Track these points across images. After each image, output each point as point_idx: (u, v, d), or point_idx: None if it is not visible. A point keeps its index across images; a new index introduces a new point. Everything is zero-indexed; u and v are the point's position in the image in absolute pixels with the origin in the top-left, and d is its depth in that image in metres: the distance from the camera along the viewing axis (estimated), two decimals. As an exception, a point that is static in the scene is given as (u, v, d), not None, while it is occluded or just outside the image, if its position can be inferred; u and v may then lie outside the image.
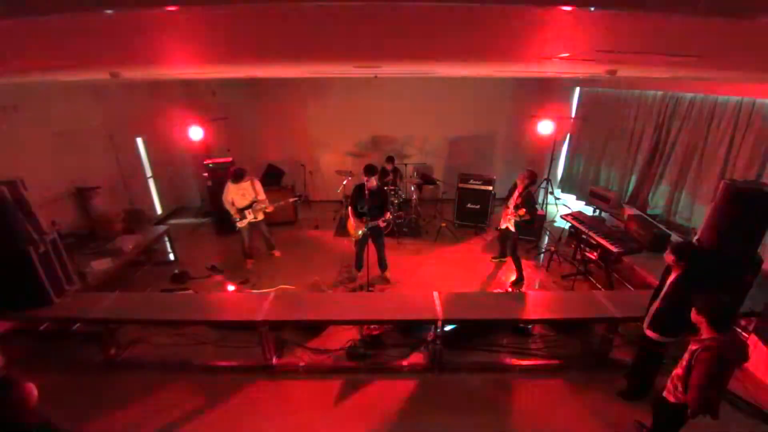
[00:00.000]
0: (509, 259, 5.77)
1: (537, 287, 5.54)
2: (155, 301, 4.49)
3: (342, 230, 7.30)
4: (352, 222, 5.19)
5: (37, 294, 3.84)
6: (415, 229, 7.34)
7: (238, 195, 5.63)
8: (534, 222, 5.49)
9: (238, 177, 5.52)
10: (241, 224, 5.74)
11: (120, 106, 6.86)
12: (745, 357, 2.45)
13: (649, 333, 3.24)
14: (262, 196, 5.77)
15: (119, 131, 6.72)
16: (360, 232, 5.14)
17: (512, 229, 5.30)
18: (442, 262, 6.26)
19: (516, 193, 5.20)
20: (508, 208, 5.27)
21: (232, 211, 5.68)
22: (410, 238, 7.12)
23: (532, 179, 5.10)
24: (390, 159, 7.34)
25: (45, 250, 3.86)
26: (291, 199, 6.35)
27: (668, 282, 3.11)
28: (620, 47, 1.81)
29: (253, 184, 5.70)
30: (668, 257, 3.04)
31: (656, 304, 3.19)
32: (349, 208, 5.24)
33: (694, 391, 2.37)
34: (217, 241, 7.11)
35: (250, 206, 5.70)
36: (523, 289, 5.45)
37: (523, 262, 6.09)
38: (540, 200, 7.54)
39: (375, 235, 5.29)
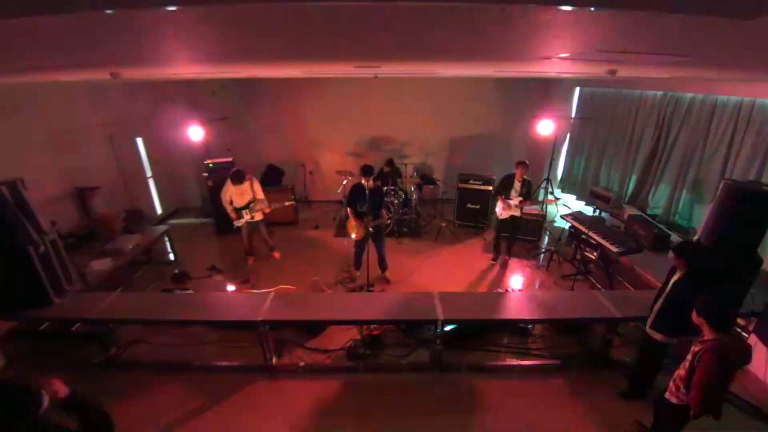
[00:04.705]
0: (508, 256, 6.17)
1: (537, 287, 5.55)
2: (155, 301, 4.49)
3: (342, 230, 7.30)
4: (353, 222, 5.19)
5: (37, 294, 3.84)
6: (415, 229, 7.34)
7: (237, 195, 5.68)
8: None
9: (238, 178, 5.55)
10: (238, 223, 5.80)
11: (120, 106, 6.86)
12: (747, 359, 2.45)
13: (652, 333, 3.24)
14: (260, 195, 5.79)
15: (119, 131, 6.72)
16: (353, 235, 5.18)
17: (518, 214, 5.73)
18: (442, 262, 6.26)
19: (517, 184, 5.63)
20: (510, 198, 5.67)
21: (229, 209, 5.72)
22: (410, 238, 7.12)
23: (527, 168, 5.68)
24: (389, 162, 7.38)
25: (45, 250, 3.86)
26: (287, 203, 6.36)
27: (672, 282, 3.11)
28: (620, 47, 1.81)
29: (251, 185, 5.72)
30: (672, 257, 3.04)
31: (660, 304, 3.19)
32: (349, 209, 5.24)
33: (696, 393, 2.37)
34: (217, 241, 7.12)
35: (247, 206, 5.73)
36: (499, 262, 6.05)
37: (523, 262, 6.15)
38: (540, 200, 7.54)
39: (377, 234, 5.29)
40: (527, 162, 5.68)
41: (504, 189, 5.75)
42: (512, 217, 5.77)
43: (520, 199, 5.60)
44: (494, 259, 6.22)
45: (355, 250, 5.49)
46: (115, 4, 0.96)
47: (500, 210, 5.81)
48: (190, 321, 4.17)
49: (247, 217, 5.75)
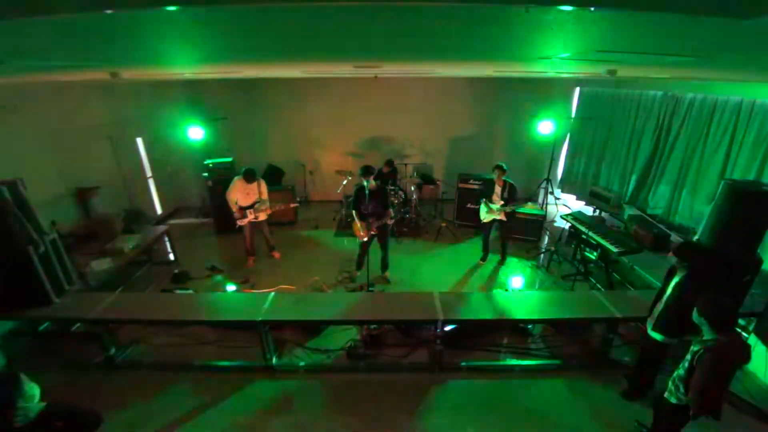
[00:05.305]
0: (503, 258, 6.18)
1: (537, 287, 5.55)
2: (155, 301, 4.49)
3: (342, 230, 7.31)
4: (358, 224, 5.18)
5: (37, 294, 3.84)
6: (415, 229, 7.34)
7: (243, 194, 5.70)
8: (515, 213, 5.97)
9: (250, 177, 5.60)
10: (241, 222, 5.80)
11: (120, 106, 6.86)
12: (746, 358, 2.45)
13: (653, 334, 3.23)
14: (266, 196, 5.83)
15: (119, 131, 6.72)
16: (359, 239, 5.16)
17: (504, 219, 5.69)
18: (442, 262, 6.26)
19: (498, 188, 5.61)
20: (492, 203, 5.70)
21: (234, 208, 5.73)
22: (410, 238, 7.12)
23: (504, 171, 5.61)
24: (389, 162, 7.40)
25: (45, 250, 3.86)
26: (292, 205, 6.41)
27: (673, 283, 3.11)
28: (620, 47, 1.81)
29: (259, 185, 5.77)
30: (672, 258, 3.04)
31: (660, 306, 3.19)
32: (354, 211, 5.22)
33: (696, 393, 2.37)
34: (217, 241, 7.11)
35: (252, 206, 5.74)
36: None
37: (523, 263, 6.13)
38: (540, 200, 7.54)
39: (381, 235, 5.28)
40: (503, 165, 5.57)
41: (486, 194, 5.79)
42: (495, 220, 5.75)
43: (502, 203, 5.58)
44: (482, 259, 6.22)
45: (359, 251, 5.49)
46: (115, 4, 0.96)
47: (483, 213, 5.84)
48: (190, 321, 4.17)
49: (251, 216, 5.77)
